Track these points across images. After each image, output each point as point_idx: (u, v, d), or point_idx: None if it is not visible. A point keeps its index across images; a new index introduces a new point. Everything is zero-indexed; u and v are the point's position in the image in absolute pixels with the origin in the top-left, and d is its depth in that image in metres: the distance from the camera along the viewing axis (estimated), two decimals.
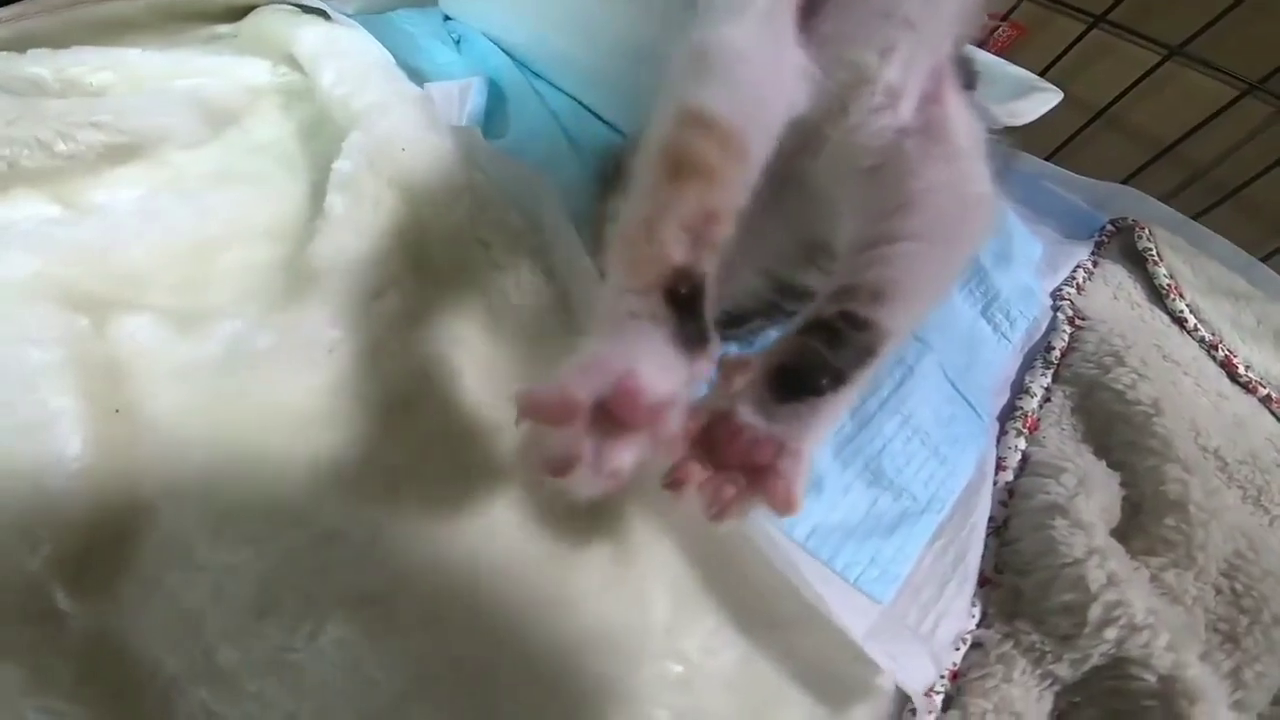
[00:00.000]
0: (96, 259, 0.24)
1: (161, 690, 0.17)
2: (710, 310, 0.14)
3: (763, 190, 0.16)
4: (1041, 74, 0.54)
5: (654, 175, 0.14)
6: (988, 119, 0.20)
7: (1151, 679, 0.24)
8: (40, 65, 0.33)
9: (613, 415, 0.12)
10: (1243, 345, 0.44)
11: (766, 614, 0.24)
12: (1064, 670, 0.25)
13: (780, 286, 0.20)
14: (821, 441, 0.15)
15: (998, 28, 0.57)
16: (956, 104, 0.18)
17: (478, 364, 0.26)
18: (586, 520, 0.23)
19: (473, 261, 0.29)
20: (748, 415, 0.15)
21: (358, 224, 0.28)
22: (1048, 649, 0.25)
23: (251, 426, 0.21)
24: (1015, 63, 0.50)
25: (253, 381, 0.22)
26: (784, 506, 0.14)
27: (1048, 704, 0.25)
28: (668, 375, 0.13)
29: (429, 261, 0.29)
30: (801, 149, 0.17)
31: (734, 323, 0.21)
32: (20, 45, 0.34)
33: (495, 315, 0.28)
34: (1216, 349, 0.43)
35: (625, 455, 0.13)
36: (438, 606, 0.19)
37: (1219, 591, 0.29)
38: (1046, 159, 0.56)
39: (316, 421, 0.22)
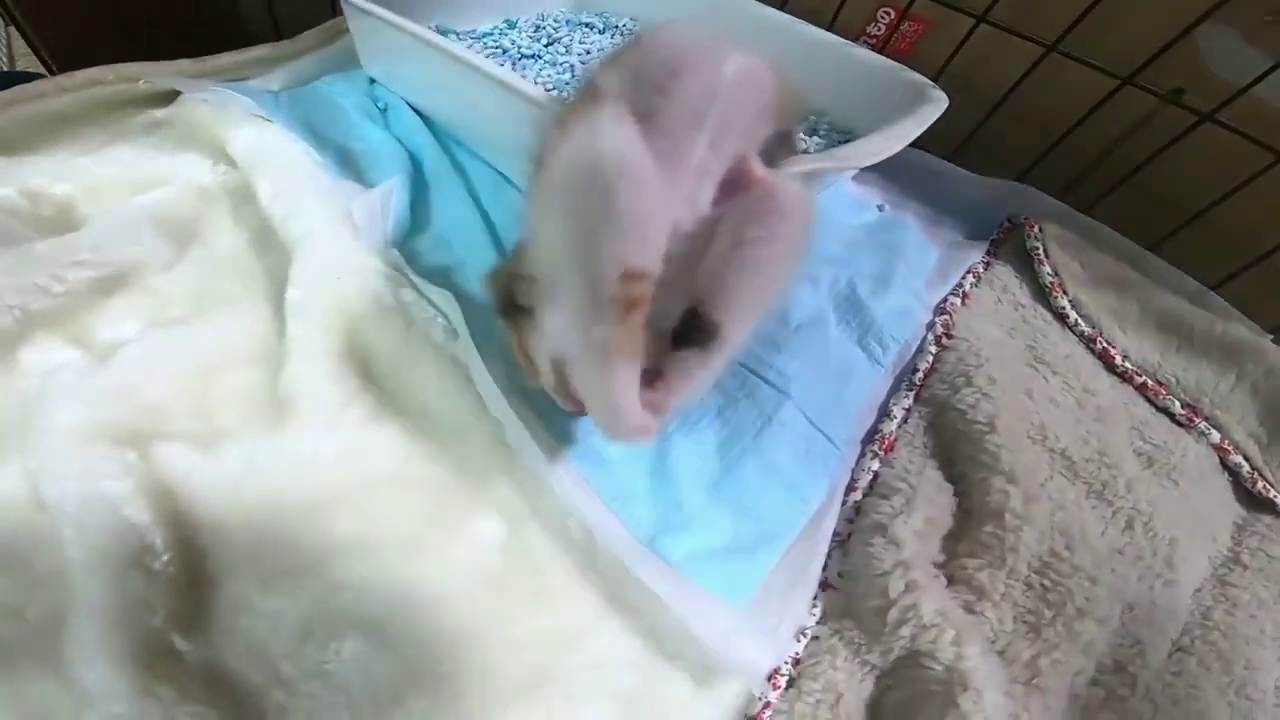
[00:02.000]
0: (125, 399, 0.30)
1: (253, 695, 0.25)
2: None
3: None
4: (942, 70, 0.54)
5: (615, 312, 0.20)
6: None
7: (938, 668, 0.29)
8: (3, 183, 0.38)
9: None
10: (1122, 335, 0.47)
11: (650, 623, 0.32)
12: (876, 659, 0.31)
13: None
14: (690, 386, 0.24)
15: (900, 24, 0.56)
16: (766, 177, 0.23)
17: (424, 453, 0.33)
18: (516, 561, 0.31)
19: (410, 370, 0.35)
20: (653, 360, 0.23)
21: (314, 349, 0.34)
22: (863, 642, 0.31)
23: (273, 516, 0.29)
24: (917, 60, 0.50)
25: (266, 486, 0.30)
26: (651, 403, 0.23)
27: (869, 686, 0.31)
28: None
29: (378, 373, 0.35)
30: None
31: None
32: None
33: (430, 414, 0.34)
34: (1095, 341, 0.46)
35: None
36: (415, 626, 0.27)
37: (1029, 587, 0.34)
38: (950, 155, 0.57)
39: (319, 508, 0.30)
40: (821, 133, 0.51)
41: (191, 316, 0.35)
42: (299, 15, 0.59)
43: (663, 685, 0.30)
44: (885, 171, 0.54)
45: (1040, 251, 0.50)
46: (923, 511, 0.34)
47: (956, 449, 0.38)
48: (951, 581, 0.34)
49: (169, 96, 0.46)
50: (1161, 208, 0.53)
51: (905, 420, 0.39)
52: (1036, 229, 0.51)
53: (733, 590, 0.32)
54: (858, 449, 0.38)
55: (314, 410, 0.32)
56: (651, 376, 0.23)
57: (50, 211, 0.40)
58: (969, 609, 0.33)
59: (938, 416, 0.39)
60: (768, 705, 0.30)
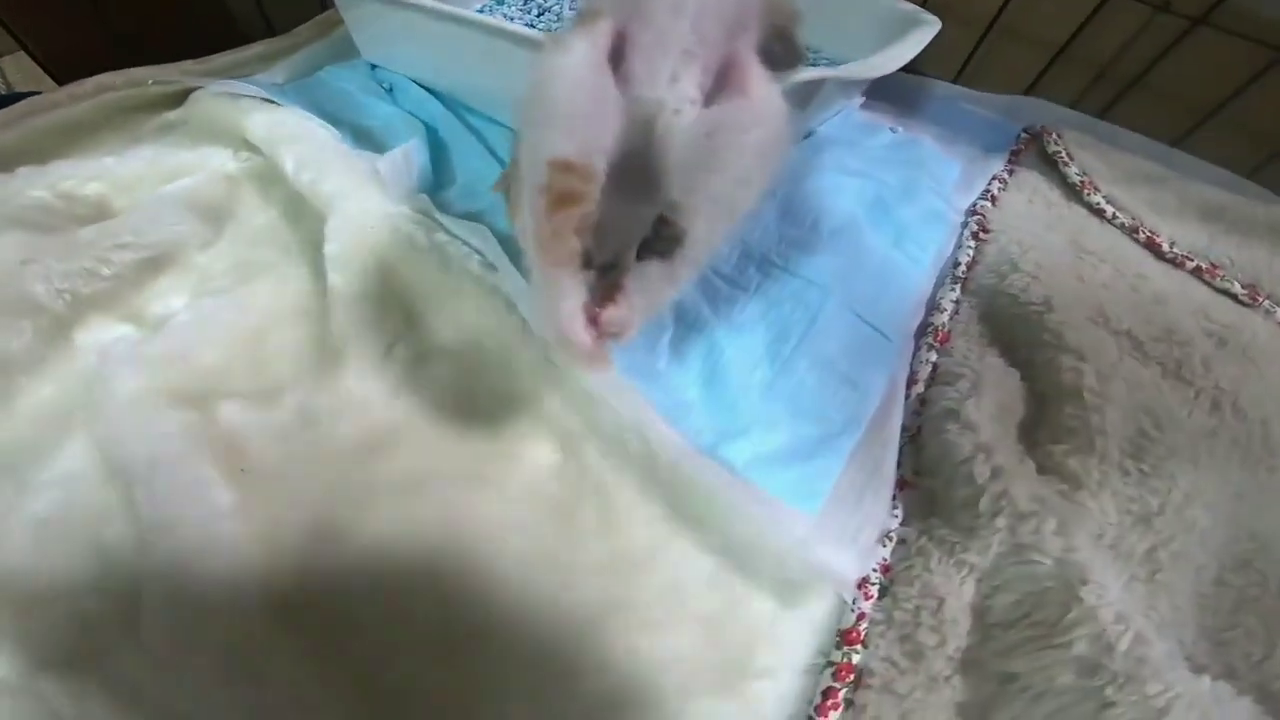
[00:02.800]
0: (181, 365, 0.29)
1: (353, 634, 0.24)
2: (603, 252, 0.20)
3: (627, 186, 0.22)
4: None
5: (545, 205, 0.19)
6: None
7: (1046, 562, 0.25)
8: (35, 187, 0.36)
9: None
10: (1165, 225, 0.43)
11: (722, 539, 0.28)
12: (974, 558, 0.26)
13: (614, 251, 0.24)
14: (654, 300, 0.21)
15: None
16: (753, 73, 0.21)
17: (473, 386, 0.31)
18: (576, 485, 0.28)
19: (452, 305, 0.33)
20: (617, 275, 0.21)
21: (357, 295, 0.32)
22: (956, 540, 0.27)
23: (330, 461, 0.28)
24: None
25: (323, 432, 0.29)
26: (610, 319, 0.20)
27: (970, 589, 0.26)
28: (583, 292, 0.20)
29: (418, 313, 0.33)
30: (637, 152, 0.22)
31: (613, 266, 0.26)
32: None
33: (475, 345, 0.32)
34: (1138, 231, 0.42)
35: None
36: (475, 563, 0.26)
37: (1126, 474, 0.29)
38: (954, 81, 0.54)
39: (374, 449, 0.28)
40: (811, 62, 0.49)
41: (234, 286, 0.34)
42: (290, 11, 0.57)
43: (745, 605, 0.26)
44: (893, 99, 0.52)
45: (1063, 155, 0.46)
46: (992, 395, 0.30)
47: (1015, 334, 0.33)
48: (1041, 470, 0.29)
49: (178, 99, 0.44)
50: (1175, 110, 0.50)
51: (956, 312, 0.35)
52: (1055, 135, 0.48)
53: (803, 494, 0.28)
54: (911, 344, 0.34)
55: (361, 354, 0.31)
56: (613, 290, 0.21)
57: (85, 210, 0.38)
58: (1065, 498, 0.28)
59: (989, 305, 0.35)
60: (862, 616, 0.26)
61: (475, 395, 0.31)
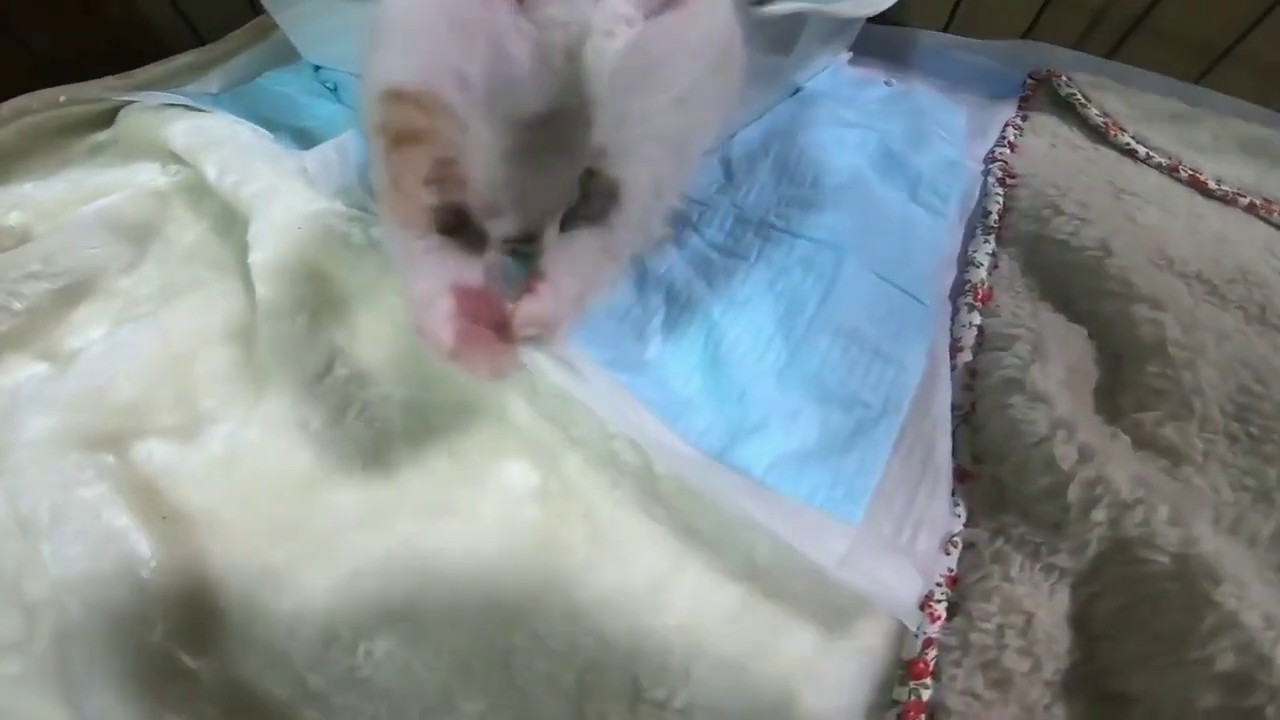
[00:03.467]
0: (95, 403, 0.25)
1: (279, 713, 0.20)
2: (478, 215, 0.16)
3: (525, 141, 0.18)
4: None
5: (383, 148, 0.15)
6: None
7: (1163, 559, 0.19)
8: None
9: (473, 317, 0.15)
10: (1205, 162, 0.37)
11: (743, 559, 0.22)
12: (1066, 561, 0.21)
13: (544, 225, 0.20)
14: (586, 284, 0.16)
15: None
16: None
17: (427, 399, 0.26)
18: (560, 509, 0.23)
19: (394, 307, 0.28)
20: (542, 259, 0.16)
21: (287, 307, 0.28)
22: (1040, 540, 0.21)
23: (267, 499, 0.24)
24: None
25: (256, 466, 0.24)
26: (528, 317, 0.15)
27: (1064, 598, 0.21)
28: (471, 274, 0.15)
29: (358, 321, 0.28)
30: (563, 93, 0.18)
31: (531, 239, 0.21)
32: None
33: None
34: (1178, 170, 0.37)
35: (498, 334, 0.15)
36: (451, 609, 0.21)
37: (1234, 440, 0.23)
38: (944, 31, 0.49)
39: (316, 483, 0.24)
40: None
41: (157, 310, 0.30)
42: (217, 19, 0.52)
43: (779, 640, 0.21)
44: (882, 52, 0.47)
45: (1079, 97, 0.41)
46: (1059, 358, 0.24)
47: (1071, 284, 0.28)
48: (1133, 446, 0.23)
49: (110, 119, 0.42)
50: (1182, 51, 0.45)
51: (994, 266, 0.29)
52: (1065, 78, 0.43)
53: (841, 498, 0.22)
54: (947, 306, 0.28)
55: (295, 375, 0.26)
56: (533, 279, 0.16)
57: (9, 242, 0.34)
58: (1170, 477, 0.22)
59: (1033, 255, 0.29)
60: (929, 642, 0.20)
61: (429, 411, 0.25)
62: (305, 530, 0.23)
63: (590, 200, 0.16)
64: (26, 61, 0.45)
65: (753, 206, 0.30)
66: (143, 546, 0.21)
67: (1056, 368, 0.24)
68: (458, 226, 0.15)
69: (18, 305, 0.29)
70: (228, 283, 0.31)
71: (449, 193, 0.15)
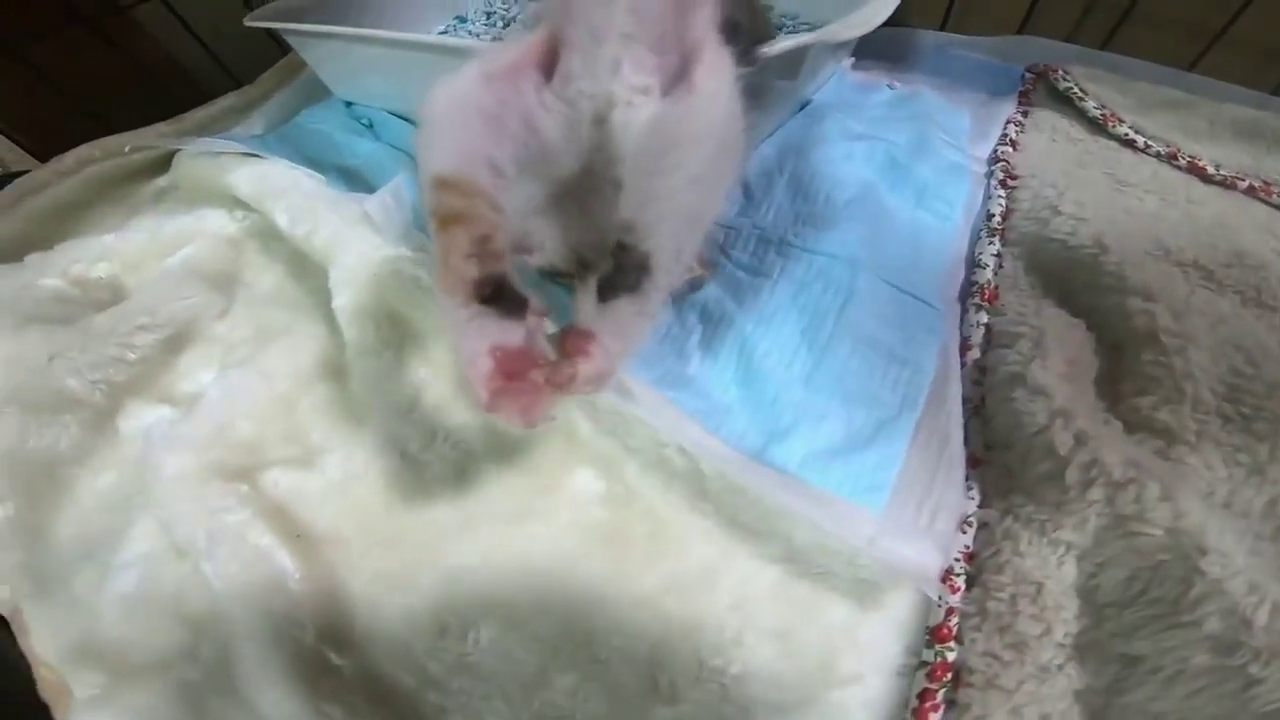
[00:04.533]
0: (220, 441, 0.29)
1: (412, 701, 0.23)
2: (517, 284, 0.18)
3: (563, 191, 0.21)
4: None
5: (434, 230, 0.17)
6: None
7: (1156, 533, 0.22)
8: (47, 275, 0.36)
9: (511, 374, 0.17)
10: (1203, 148, 0.38)
11: (783, 544, 0.25)
12: (1070, 536, 0.23)
13: (581, 259, 0.23)
14: (631, 342, 0.19)
15: None
16: (708, 60, 0.18)
17: (491, 422, 0.29)
18: (624, 510, 0.27)
19: None
20: (582, 320, 0.19)
21: (373, 347, 0.31)
22: (1045, 518, 0.23)
23: (378, 515, 0.27)
24: None
25: (366, 488, 0.28)
26: (588, 376, 0.18)
27: (1070, 569, 0.23)
28: (511, 336, 0.18)
29: (438, 357, 0.31)
30: (593, 153, 0.20)
31: (553, 276, 0.25)
32: (1, 255, 0.37)
33: None
34: (1176, 158, 0.38)
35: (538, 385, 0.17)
36: (539, 600, 0.25)
37: (1226, 420, 0.25)
38: (940, 29, 0.50)
39: (417, 499, 0.27)
40: (789, 28, 0.46)
41: (255, 353, 0.33)
42: (249, 61, 0.55)
43: (818, 612, 0.24)
44: (883, 54, 0.48)
45: (1076, 90, 0.42)
46: (1059, 352, 0.26)
47: (1071, 281, 0.30)
48: (1130, 429, 0.25)
49: (165, 163, 0.43)
50: (1175, 36, 0.45)
51: (999, 266, 0.32)
52: (1062, 72, 0.44)
53: (866, 487, 0.25)
54: (957, 308, 0.31)
55: (389, 407, 0.30)
56: (581, 341, 0.18)
57: (101, 294, 0.38)
58: (1163, 457, 0.24)
59: (1035, 254, 0.31)
60: (951, 611, 0.23)
61: (504, 433, 0.29)
62: (411, 539, 0.26)
63: (625, 272, 0.18)
64: (65, 107, 0.47)
65: (772, 226, 0.33)
66: (287, 562, 0.25)
67: (1056, 361, 0.26)
68: (497, 295, 0.17)
69: (132, 356, 0.32)
70: (312, 325, 0.34)
71: (488, 266, 0.17)
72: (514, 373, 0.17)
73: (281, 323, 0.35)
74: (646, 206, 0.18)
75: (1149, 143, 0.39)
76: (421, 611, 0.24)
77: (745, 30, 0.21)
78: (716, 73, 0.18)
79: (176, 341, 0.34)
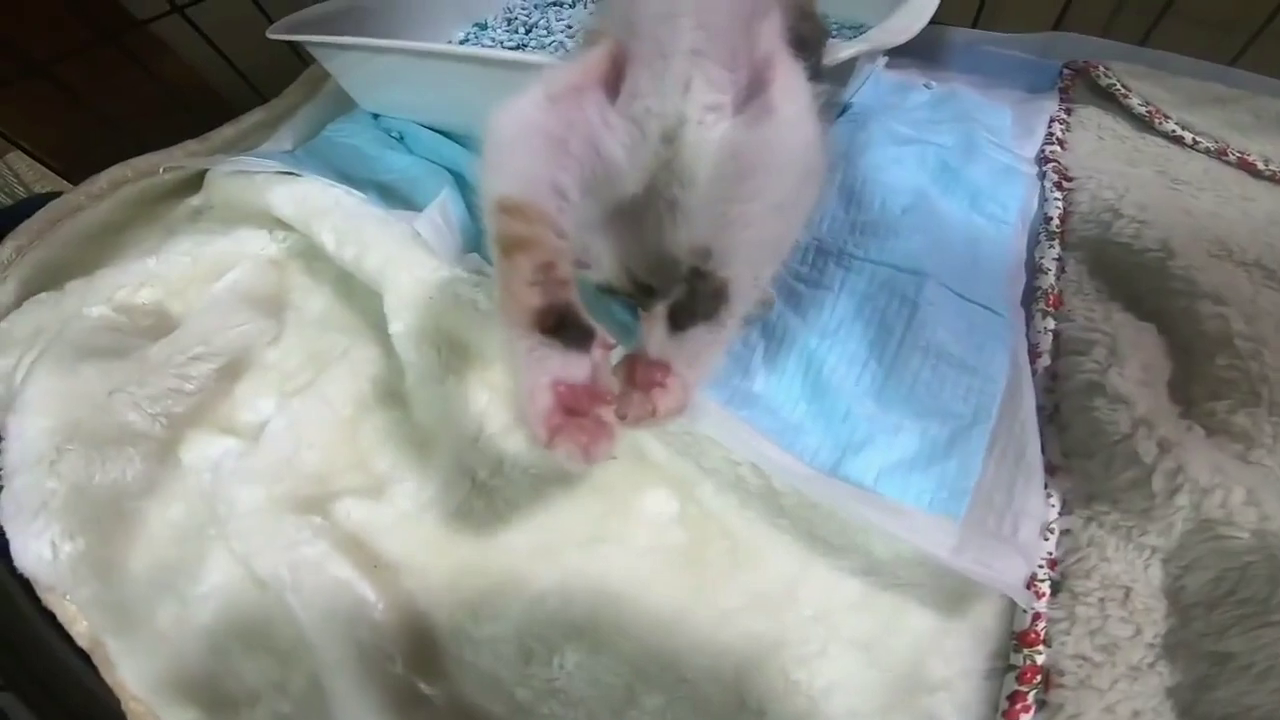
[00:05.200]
0: (289, 471, 0.28)
1: None
2: (583, 314, 0.17)
3: (618, 209, 0.20)
4: None
5: (496, 256, 0.17)
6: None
7: (1243, 535, 0.22)
8: (91, 303, 0.36)
9: (572, 410, 0.16)
10: (1251, 143, 0.38)
11: (864, 558, 0.25)
12: (1155, 540, 0.23)
13: (635, 280, 0.22)
14: (706, 371, 0.18)
15: None
16: (784, 80, 0.18)
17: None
18: (700, 530, 0.26)
19: None
20: (653, 349, 0.18)
21: (435, 374, 0.30)
22: (1131, 524, 0.23)
23: (453, 544, 0.27)
24: None
25: (440, 516, 0.27)
26: (669, 410, 0.17)
27: (1157, 572, 0.23)
28: (575, 370, 0.16)
29: (499, 380, 0.31)
30: (658, 172, 0.19)
31: (611, 292, 0.24)
32: (41, 282, 0.37)
33: None
34: (1226, 154, 0.38)
35: (599, 428, 0.16)
36: (621, 620, 0.24)
37: None
38: (973, 26, 0.49)
39: (491, 526, 0.27)
40: (833, 35, 0.45)
41: (314, 380, 0.33)
42: (272, 75, 0.53)
43: (902, 622, 0.24)
44: (916, 53, 0.47)
45: (1119, 87, 0.42)
46: (1135, 358, 0.26)
47: (1137, 285, 0.30)
48: (1207, 433, 0.25)
49: (196, 181, 0.42)
50: (1211, 33, 0.44)
51: (1061, 270, 0.31)
52: (1102, 68, 0.43)
53: (945, 499, 0.25)
54: (1021, 314, 0.30)
55: (456, 433, 0.29)
56: (655, 373, 0.17)
57: (147, 321, 0.37)
58: (1243, 460, 0.24)
59: (1098, 258, 0.31)
60: (1038, 616, 0.23)
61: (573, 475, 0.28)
62: (490, 566, 0.26)
63: (701, 300, 0.17)
64: (89, 127, 0.47)
65: (828, 236, 0.32)
66: (369, 593, 0.24)
67: (1133, 368, 0.26)
68: (560, 326, 0.16)
69: (189, 387, 0.32)
70: (367, 349, 0.34)
71: (551, 294, 0.16)
72: (575, 409, 0.16)
73: (336, 347, 0.35)
74: (725, 233, 0.17)
75: (1197, 139, 0.38)
76: (506, 639, 0.24)
77: (811, 43, 0.20)
78: (794, 94, 0.18)
79: (231, 370, 0.34)
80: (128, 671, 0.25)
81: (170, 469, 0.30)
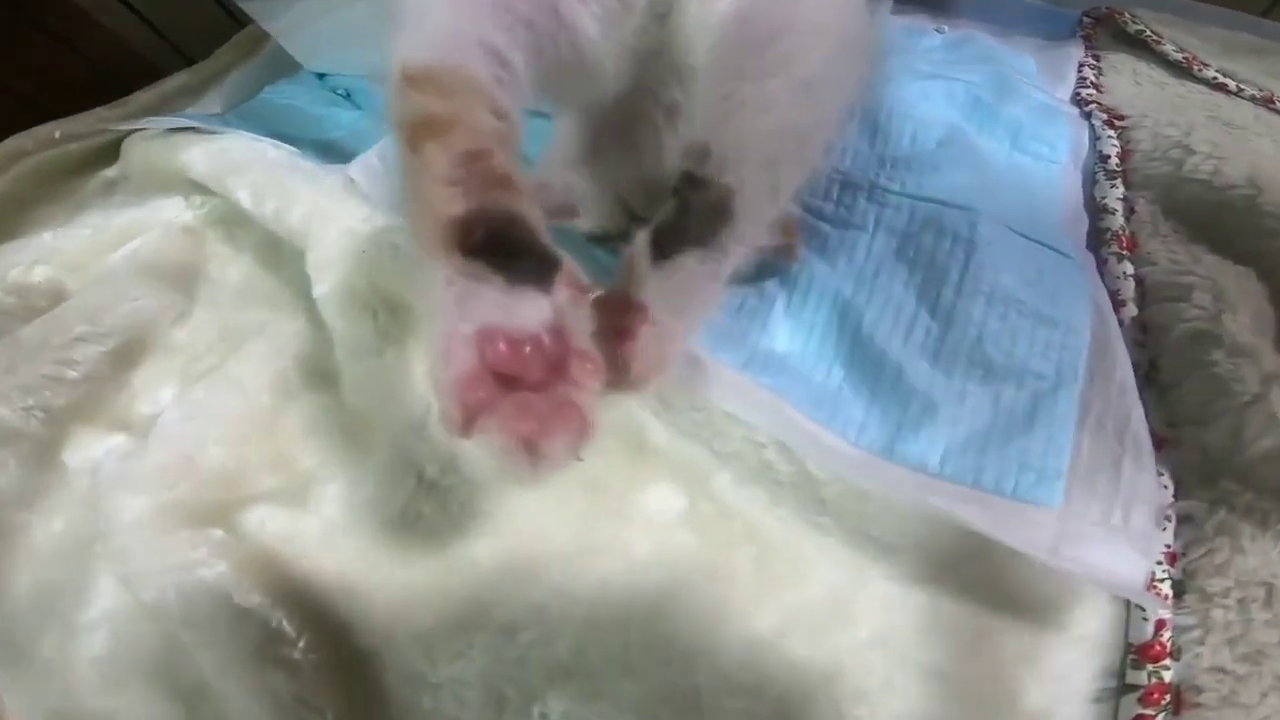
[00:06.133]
0: (186, 474, 0.23)
1: None
2: (537, 233, 0.11)
3: (608, 128, 0.16)
4: None
5: (402, 151, 0.12)
6: None
7: None
8: None
9: (513, 379, 0.10)
10: None
11: (932, 561, 0.20)
12: None
13: (632, 214, 0.17)
14: (695, 319, 0.13)
15: None
16: None
17: None
18: (717, 533, 0.21)
19: None
20: (631, 287, 0.13)
21: (370, 343, 0.25)
22: (1270, 506, 0.18)
23: (400, 561, 0.21)
24: None
25: (380, 525, 0.22)
26: (642, 372, 0.12)
27: None
28: (522, 315, 0.11)
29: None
30: (649, 63, 0.15)
31: (603, 240, 0.19)
32: None
33: None
34: (1273, 101, 0.34)
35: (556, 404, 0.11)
36: (621, 657, 0.19)
37: None
38: None
39: (447, 536, 0.21)
40: None
41: (224, 360, 0.27)
42: (199, 36, 0.47)
43: (988, 640, 0.19)
44: (927, 2, 0.44)
45: (1149, 33, 0.38)
46: (1244, 303, 0.21)
47: (1223, 225, 0.25)
48: None
49: (112, 154, 0.37)
50: None
51: (1131, 212, 0.27)
52: (1129, 15, 0.40)
53: (1034, 481, 0.19)
54: (1091, 258, 0.25)
55: (397, 418, 0.23)
56: (627, 318, 0.12)
57: (44, 302, 0.31)
58: None
59: (1172, 197, 0.26)
60: (1162, 624, 0.18)
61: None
62: (448, 588, 0.20)
63: (693, 215, 0.12)
64: (7, 105, 0.41)
65: (853, 169, 0.27)
66: (285, 625, 0.19)
67: (1244, 316, 0.21)
68: (496, 245, 0.11)
69: (73, 374, 0.26)
70: (292, 322, 0.28)
71: (482, 196, 0.11)
72: (520, 376, 0.10)
73: (254, 322, 0.29)
74: (731, 123, 0.13)
75: (1241, 86, 0.34)
76: (470, 682, 0.19)
77: None
78: None
79: (126, 353, 0.28)
80: (13, 707, 0.21)
81: (54, 474, 0.24)
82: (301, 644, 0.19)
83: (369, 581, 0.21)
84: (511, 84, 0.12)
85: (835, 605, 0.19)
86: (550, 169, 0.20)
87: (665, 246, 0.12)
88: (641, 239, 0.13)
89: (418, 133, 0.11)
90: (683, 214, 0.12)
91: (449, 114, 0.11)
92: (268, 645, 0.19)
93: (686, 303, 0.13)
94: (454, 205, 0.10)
